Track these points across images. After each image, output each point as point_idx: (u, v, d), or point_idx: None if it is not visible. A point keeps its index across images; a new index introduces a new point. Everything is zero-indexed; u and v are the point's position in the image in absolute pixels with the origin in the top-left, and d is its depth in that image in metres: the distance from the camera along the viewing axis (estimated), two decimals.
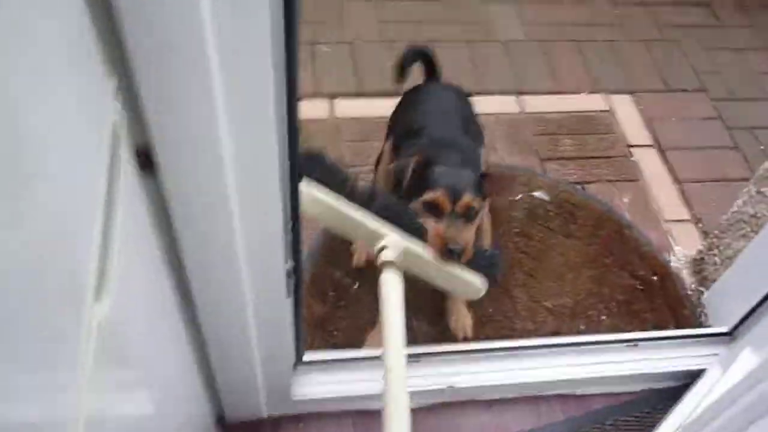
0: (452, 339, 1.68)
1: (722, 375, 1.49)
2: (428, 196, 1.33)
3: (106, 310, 0.58)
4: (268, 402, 1.48)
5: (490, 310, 1.77)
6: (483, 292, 1.33)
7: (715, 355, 1.64)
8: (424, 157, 1.39)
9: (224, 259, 0.99)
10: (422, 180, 1.36)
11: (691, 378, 1.63)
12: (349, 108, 2.27)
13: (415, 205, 1.36)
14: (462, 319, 1.70)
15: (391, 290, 1.14)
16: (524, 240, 1.93)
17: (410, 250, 1.26)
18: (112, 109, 0.68)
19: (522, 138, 2.26)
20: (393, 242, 1.22)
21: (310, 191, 1.19)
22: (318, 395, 1.51)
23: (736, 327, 1.64)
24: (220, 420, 1.48)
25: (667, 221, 2.08)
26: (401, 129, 1.68)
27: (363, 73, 2.40)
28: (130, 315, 0.72)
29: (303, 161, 1.10)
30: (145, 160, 0.84)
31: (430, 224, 1.32)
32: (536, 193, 2.05)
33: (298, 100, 0.88)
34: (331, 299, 1.74)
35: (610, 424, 1.61)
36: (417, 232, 1.30)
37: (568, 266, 1.90)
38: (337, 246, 1.84)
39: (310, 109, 2.23)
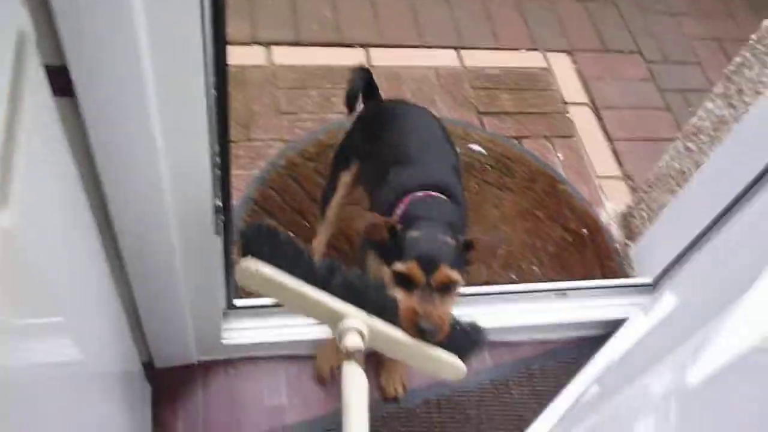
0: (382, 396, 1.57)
1: (644, 320, 1.55)
2: (399, 267, 1.15)
3: (9, 220, 0.54)
4: (197, 347, 1.46)
5: None
6: (463, 374, 1.15)
7: (640, 304, 1.69)
8: (396, 223, 1.21)
9: (148, 191, 0.96)
10: (394, 244, 1.19)
11: (616, 326, 1.68)
12: (286, 56, 2.21)
13: (386, 273, 1.19)
14: (394, 377, 1.57)
15: (353, 389, 0.97)
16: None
17: (378, 330, 1.07)
18: (17, 15, 0.63)
19: (461, 92, 2.25)
20: (356, 324, 1.03)
21: (258, 266, 1.00)
22: (249, 340, 1.49)
23: (659, 278, 1.70)
24: (148, 365, 1.45)
25: (598, 177, 2.13)
26: (372, 160, 1.49)
27: (301, 21, 2.34)
28: (42, 235, 0.68)
29: (252, 236, 1.02)
30: (63, 81, 0.79)
31: (402, 297, 1.15)
32: (473, 146, 2.06)
33: (229, 43, 0.84)
34: None
35: (538, 370, 1.65)
36: (386, 307, 1.11)
37: (502, 218, 1.93)
38: (271, 194, 1.81)
39: (246, 56, 2.18)
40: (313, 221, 1.75)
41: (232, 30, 0.86)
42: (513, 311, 1.67)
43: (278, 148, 1.94)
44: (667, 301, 1.48)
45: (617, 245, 1.94)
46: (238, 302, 1.48)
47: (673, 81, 2.53)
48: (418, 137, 1.46)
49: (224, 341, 1.47)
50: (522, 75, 2.38)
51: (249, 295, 1.61)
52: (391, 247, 1.19)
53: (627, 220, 1.96)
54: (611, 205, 2.05)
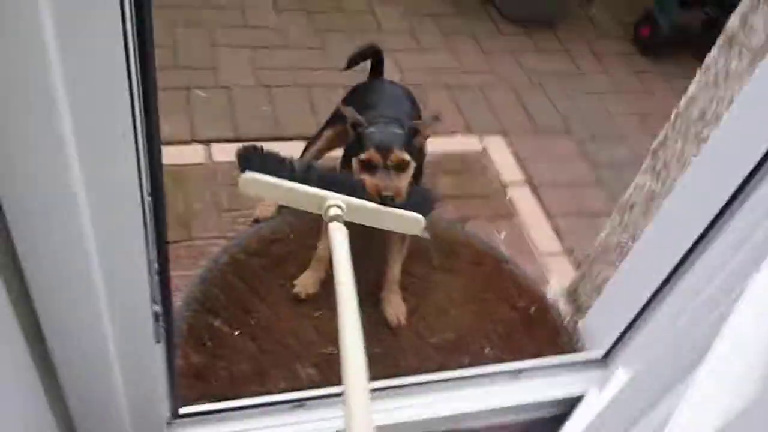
0: (388, 326, 1.84)
1: (599, 397, 1.54)
2: (362, 155, 1.55)
3: None
4: None
5: (376, 349, 1.75)
6: (423, 224, 1.49)
7: (593, 379, 1.69)
8: (360, 121, 1.60)
9: (81, 301, 0.92)
10: (358, 140, 1.58)
11: (572, 404, 1.66)
12: (226, 152, 2.22)
13: (355, 164, 1.57)
14: (396, 308, 1.84)
15: (340, 237, 1.23)
16: (407, 278, 1.94)
17: (352, 204, 1.40)
18: None
19: None
20: (336, 201, 1.36)
21: (254, 176, 1.37)
22: None
23: (609, 351, 1.71)
24: None
25: (542, 254, 2.17)
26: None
27: (240, 117, 2.36)
28: None
29: (242, 157, 1.41)
30: None
31: (367, 178, 1.51)
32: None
33: (167, 143, 0.84)
34: (209, 349, 1.65)
35: None
36: (355, 189, 1.45)
37: (450, 302, 1.92)
38: (215, 292, 1.77)
39: (186, 155, 2.18)
40: (257, 318, 1.72)
41: (170, 129, 0.86)
42: (468, 397, 1.63)
43: (220, 245, 1.91)
44: (619, 375, 1.48)
45: (566, 321, 1.95)
46: (183, 410, 1.41)
47: (604, 156, 2.64)
48: (385, 96, 1.90)
49: None
50: (460, 158, 2.44)
51: (197, 399, 1.54)
52: (357, 143, 1.59)
53: (573, 296, 1.98)
54: (557, 281, 2.07)
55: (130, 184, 0.81)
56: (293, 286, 1.82)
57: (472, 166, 2.42)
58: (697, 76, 1.55)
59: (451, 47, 2.98)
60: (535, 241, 2.20)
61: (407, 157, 1.56)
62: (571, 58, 3.13)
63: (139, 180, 0.83)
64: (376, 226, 1.48)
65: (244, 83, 2.51)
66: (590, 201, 2.42)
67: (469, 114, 2.65)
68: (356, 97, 1.92)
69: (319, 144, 1.96)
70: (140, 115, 0.79)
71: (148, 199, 0.89)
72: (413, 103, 1.94)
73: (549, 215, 2.31)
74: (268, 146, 2.28)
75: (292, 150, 2.20)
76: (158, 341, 1.10)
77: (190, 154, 2.18)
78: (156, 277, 1.02)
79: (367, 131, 1.58)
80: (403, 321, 1.84)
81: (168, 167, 0.89)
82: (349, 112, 1.62)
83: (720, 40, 1.49)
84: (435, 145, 2.45)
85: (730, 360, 0.61)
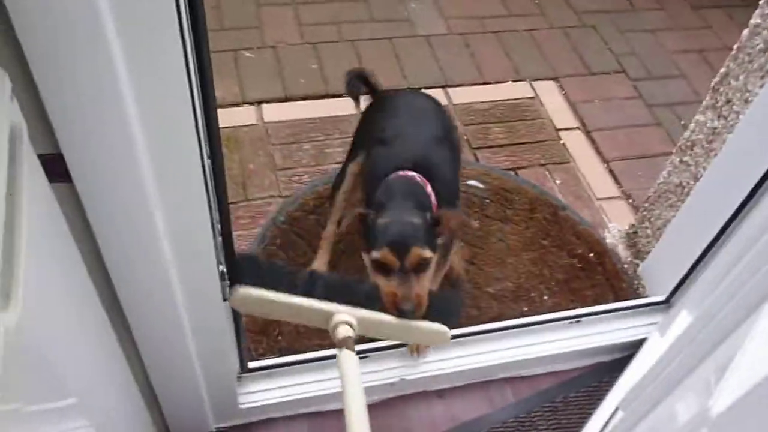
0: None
1: (661, 340, 1.53)
2: (375, 255, 1.25)
3: (13, 318, 0.54)
4: (214, 413, 1.44)
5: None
6: (449, 337, 1.25)
7: (655, 323, 1.67)
8: (367, 211, 1.32)
9: (151, 265, 0.96)
10: (369, 232, 1.28)
11: (634, 348, 1.66)
12: (277, 112, 2.24)
13: (367, 260, 1.30)
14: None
15: (351, 368, 1.05)
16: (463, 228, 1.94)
17: (365, 318, 1.16)
18: (8, 109, 0.64)
19: None
20: (345, 316, 1.13)
21: (248, 291, 1.12)
22: (266, 401, 1.47)
23: (671, 295, 1.69)
24: None
25: (599, 199, 2.13)
26: (368, 141, 1.57)
27: (288, 76, 2.37)
28: (48, 325, 0.68)
29: (239, 267, 1.12)
30: (60, 168, 0.80)
31: (381, 282, 1.24)
32: (471, 182, 2.06)
33: (219, 107, 0.86)
34: None
35: (560, 402, 1.63)
36: (369, 296, 1.22)
37: (507, 251, 1.92)
38: (274, 251, 1.80)
39: (238, 116, 2.20)
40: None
41: (220, 92, 0.88)
42: (528, 344, 1.65)
43: (277, 204, 1.95)
44: (683, 318, 1.47)
45: (626, 266, 1.93)
46: (252, 364, 1.46)
47: (660, 96, 2.55)
48: (398, 117, 1.55)
49: (241, 405, 1.45)
50: (510, 106, 2.40)
51: (261, 355, 1.60)
52: (368, 236, 1.28)
53: (633, 240, 1.95)
54: (615, 225, 2.04)
55: (191, 148, 0.83)
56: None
57: (524, 113, 2.38)
58: (762, 5, 1.47)
59: None
60: (591, 186, 2.16)
61: (428, 254, 1.25)
62: None
63: (199, 144, 0.85)
64: (394, 340, 1.27)
65: (290, 41, 2.51)
66: (648, 143, 2.35)
67: (519, 60, 2.58)
68: (371, 126, 1.62)
69: (346, 186, 1.66)
70: (196, 79, 0.81)
71: (207, 162, 0.91)
72: (443, 118, 1.60)
73: (604, 159, 2.26)
74: (319, 105, 2.31)
75: (343, 107, 2.23)
76: (225, 299, 1.14)
77: (242, 116, 2.20)
78: (219, 238, 1.05)
79: (380, 223, 1.27)
80: (422, 353, 1.57)
81: (221, 130, 0.91)
82: (353, 214, 1.32)
83: None
84: (485, 95, 2.42)
85: None
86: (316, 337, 1.63)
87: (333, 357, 1.52)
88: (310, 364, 1.52)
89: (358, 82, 1.76)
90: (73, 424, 0.81)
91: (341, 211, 1.69)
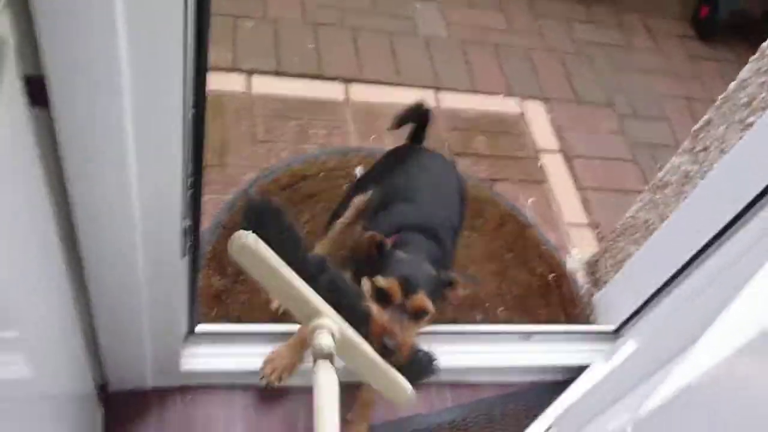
0: None
1: (604, 366, 1.56)
2: (381, 282, 1.22)
3: None
4: (154, 372, 1.42)
5: None
6: (411, 398, 1.17)
7: (601, 351, 1.70)
8: (387, 237, 1.29)
9: (116, 206, 0.95)
10: (380, 260, 1.25)
11: (578, 372, 1.69)
12: (266, 85, 2.23)
13: (366, 285, 1.25)
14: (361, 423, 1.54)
15: (326, 376, 0.97)
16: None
17: (347, 337, 1.07)
18: None
19: (435, 131, 2.28)
20: (331, 325, 1.03)
21: (257, 246, 0.97)
22: (208, 368, 1.47)
23: (621, 326, 1.72)
24: (102, 388, 1.42)
25: (567, 224, 2.16)
26: (383, 189, 1.55)
27: (283, 52, 2.36)
28: (1, 247, 0.67)
29: (258, 212, 1.02)
30: (39, 93, 0.79)
31: (376, 311, 1.20)
32: None
33: (209, 69, 0.85)
34: (231, 274, 1.69)
35: (499, 413, 1.65)
36: (359, 317, 1.13)
37: (471, 259, 1.94)
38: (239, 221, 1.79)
39: (226, 83, 2.19)
40: None
41: (213, 56, 0.87)
42: (477, 352, 1.66)
43: (252, 175, 1.94)
44: (628, 348, 1.50)
45: (582, 292, 1.96)
46: (200, 328, 1.45)
47: (642, 135, 2.59)
48: (429, 186, 1.52)
49: (183, 368, 1.44)
50: (497, 119, 2.42)
51: (213, 319, 1.59)
52: (377, 263, 1.24)
53: (592, 268, 1.98)
54: (578, 252, 2.07)
55: (176, 90, 0.83)
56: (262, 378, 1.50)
57: (509, 128, 2.40)
58: (751, 61, 1.51)
59: (502, 6, 2.93)
60: (561, 210, 2.20)
61: (430, 307, 1.23)
62: (623, 32, 3.06)
63: (184, 88, 0.84)
64: (360, 373, 1.14)
65: (291, 17, 2.50)
66: (622, 177, 2.39)
67: (512, 76, 2.61)
68: (390, 170, 1.59)
69: (346, 216, 1.63)
70: (192, 24, 0.80)
71: (190, 112, 0.90)
72: (461, 196, 1.60)
73: (579, 186, 2.30)
74: (309, 85, 2.28)
75: (332, 92, 2.22)
76: (184, 255, 1.13)
77: (231, 83, 2.19)
78: (189, 192, 1.04)
79: (396, 255, 1.26)
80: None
81: (208, 93, 0.90)
82: (374, 235, 1.28)
83: None
84: (473, 103, 2.44)
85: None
86: (269, 314, 1.62)
87: (283, 334, 1.52)
88: (258, 336, 1.52)
89: (416, 116, 1.71)
90: (9, 358, 0.78)
91: (331, 247, 1.67)
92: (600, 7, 3.12)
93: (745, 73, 1.54)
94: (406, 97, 2.35)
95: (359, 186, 1.66)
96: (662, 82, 2.87)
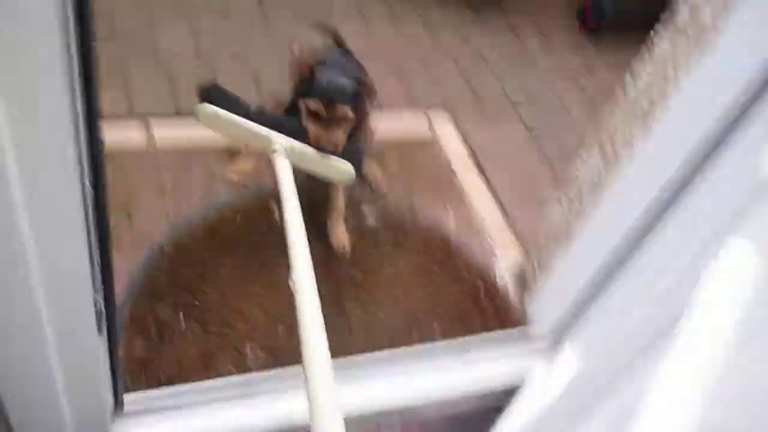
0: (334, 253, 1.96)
1: (545, 375, 1.56)
2: (311, 104, 1.70)
3: None
4: None
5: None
6: (352, 176, 1.72)
7: (539, 352, 1.71)
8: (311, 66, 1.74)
9: (17, 287, 0.86)
10: (309, 85, 1.71)
11: (519, 380, 1.68)
12: (167, 128, 2.13)
13: (302, 106, 1.72)
14: (341, 237, 1.97)
15: (284, 169, 1.40)
16: (355, 254, 1.93)
17: (295, 147, 1.61)
18: None
19: None
20: (282, 142, 1.57)
21: (213, 108, 1.58)
22: None
23: (556, 330, 1.73)
24: None
25: (489, 233, 2.18)
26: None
27: (180, 90, 2.27)
28: None
29: (203, 90, 1.65)
30: None
31: (311, 126, 1.70)
32: (364, 207, 2.06)
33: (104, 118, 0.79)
34: (154, 336, 1.60)
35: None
36: (299, 134, 1.65)
37: (397, 277, 1.92)
38: (158, 277, 1.71)
39: (125, 132, 2.08)
40: (203, 301, 1.68)
41: (107, 105, 0.81)
42: (416, 371, 1.63)
43: (164, 229, 1.84)
44: (567, 353, 1.50)
45: (513, 300, 1.97)
46: (128, 398, 1.36)
47: (550, 135, 2.66)
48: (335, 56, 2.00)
49: None
50: (404, 135, 2.42)
51: (144, 385, 1.49)
52: (307, 86, 1.72)
53: (521, 276, 2.00)
54: (504, 261, 2.09)
55: (69, 170, 0.76)
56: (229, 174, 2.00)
57: (418, 142, 2.41)
58: (644, 56, 1.56)
59: (394, 20, 2.93)
60: (483, 220, 2.21)
61: (350, 114, 1.71)
62: (516, 35, 3.13)
63: (80, 166, 0.77)
64: (311, 170, 1.68)
65: (184, 54, 2.41)
66: (536, 179, 2.44)
67: (413, 89, 2.62)
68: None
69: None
70: (80, 96, 0.74)
71: (88, 187, 0.83)
72: (358, 64, 2.04)
73: (495, 193, 2.32)
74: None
75: None
76: (100, 331, 1.05)
77: (129, 131, 2.09)
78: (98, 266, 0.97)
79: (318, 73, 1.70)
80: (347, 248, 1.96)
81: (108, 145, 0.84)
82: (306, 58, 1.78)
83: (666, 21, 1.50)
84: (381, 123, 2.42)
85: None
86: (202, 369, 1.54)
87: (220, 388, 1.44)
88: (192, 395, 1.43)
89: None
90: None
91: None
92: (489, 13, 3.19)
93: (637, 65, 1.58)
94: None
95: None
96: (560, 80, 2.96)
